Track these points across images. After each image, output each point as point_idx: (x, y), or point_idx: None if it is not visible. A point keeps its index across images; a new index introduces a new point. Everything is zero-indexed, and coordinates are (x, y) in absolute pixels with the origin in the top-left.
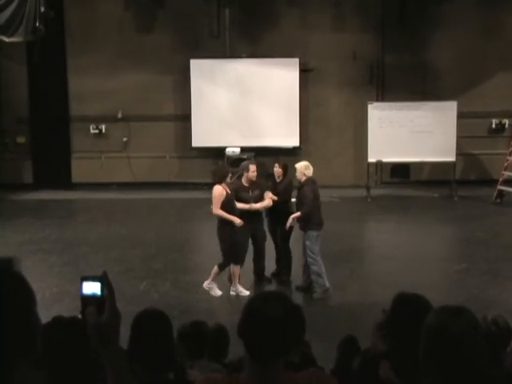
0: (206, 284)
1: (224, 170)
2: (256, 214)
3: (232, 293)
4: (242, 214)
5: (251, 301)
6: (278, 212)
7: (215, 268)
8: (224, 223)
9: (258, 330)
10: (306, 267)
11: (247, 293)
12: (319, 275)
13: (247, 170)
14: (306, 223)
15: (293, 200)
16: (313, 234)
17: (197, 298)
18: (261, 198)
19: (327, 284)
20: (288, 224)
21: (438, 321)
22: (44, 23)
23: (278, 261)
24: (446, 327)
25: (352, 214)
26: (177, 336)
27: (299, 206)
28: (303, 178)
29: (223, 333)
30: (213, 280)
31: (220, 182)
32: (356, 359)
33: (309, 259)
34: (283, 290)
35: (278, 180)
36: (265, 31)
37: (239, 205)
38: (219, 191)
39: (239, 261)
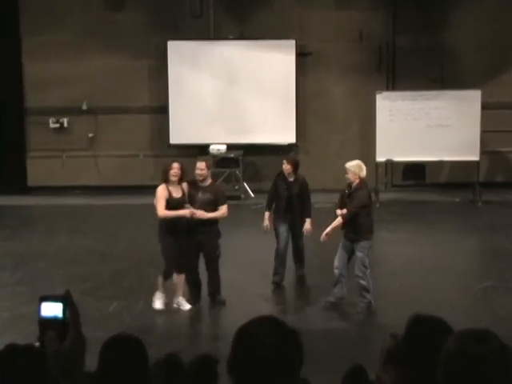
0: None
1: (168, 167)
2: (204, 222)
3: (174, 305)
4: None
5: (242, 329)
6: (298, 209)
7: (159, 278)
8: (165, 229)
9: (254, 364)
10: (341, 279)
11: (188, 307)
12: (367, 290)
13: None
14: (357, 233)
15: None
16: (365, 244)
17: (176, 321)
18: (211, 205)
19: (372, 300)
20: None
21: (458, 345)
22: None
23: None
24: (468, 353)
25: None
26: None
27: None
28: (356, 181)
29: (207, 365)
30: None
31: (165, 181)
32: None
33: (358, 273)
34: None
35: (290, 179)
36: (255, 8)
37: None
38: (160, 191)
39: (182, 270)
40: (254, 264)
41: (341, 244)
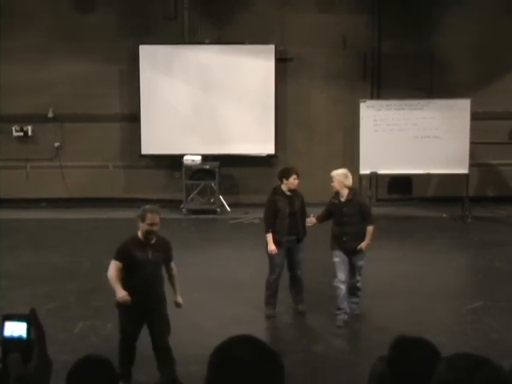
0: None
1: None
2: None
3: None
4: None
5: (219, 348)
6: (301, 229)
7: None
8: None
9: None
10: (345, 294)
11: None
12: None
13: (143, 218)
14: (358, 241)
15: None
16: (364, 252)
17: (146, 343)
18: (160, 263)
19: None
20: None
21: (452, 375)
22: None
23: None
24: (461, 382)
25: None
26: None
27: (349, 224)
28: (344, 190)
29: None
30: None
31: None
32: None
33: (359, 278)
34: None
35: (288, 194)
36: (233, 11)
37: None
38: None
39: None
40: (229, 283)
41: (339, 257)
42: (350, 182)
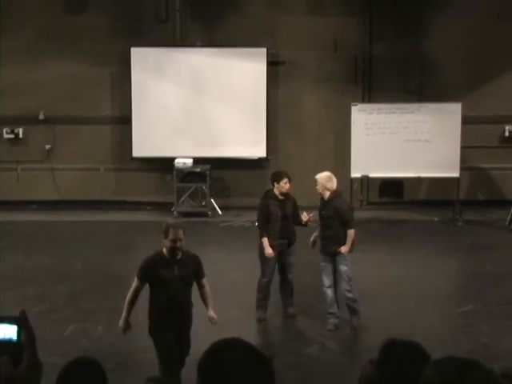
0: None
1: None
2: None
3: None
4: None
5: (209, 352)
6: (293, 233)
7: None
8: None
9: None
10: (336, 298)
11: None
12: (356, 301)
13: (165, 234)
14: (338, 245)
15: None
16: (347, 256)
17: (137, 345)
18: (188, 279)
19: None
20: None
21: (439, 378)
22: None
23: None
24: None
25: None
26: None
27: (328, 227)
28: (326, 193)
29: None
30: None
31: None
32: None
33: (346, 287)
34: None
35: (281, 198)
36: (224, 14)
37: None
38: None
39: None
40: (220, 285)
41: (323, 262)
42: (332, 185)
